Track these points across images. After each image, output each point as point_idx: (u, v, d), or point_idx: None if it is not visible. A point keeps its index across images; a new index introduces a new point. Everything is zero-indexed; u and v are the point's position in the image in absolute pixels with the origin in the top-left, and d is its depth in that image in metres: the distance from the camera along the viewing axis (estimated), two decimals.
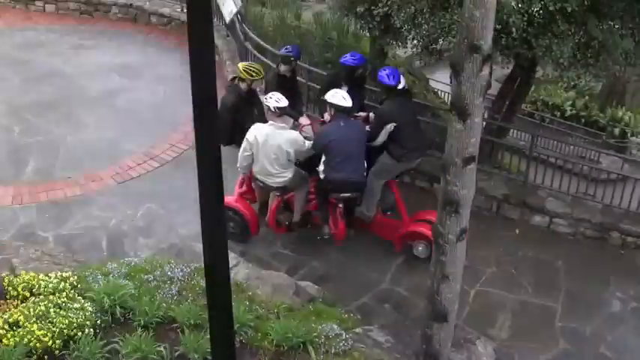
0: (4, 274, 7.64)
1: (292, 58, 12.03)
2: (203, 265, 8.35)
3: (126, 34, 19.28)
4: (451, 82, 28.65)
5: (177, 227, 11.62)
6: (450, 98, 25.42)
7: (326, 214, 11.05)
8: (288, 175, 10.61)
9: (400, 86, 10.81)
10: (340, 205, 10.96)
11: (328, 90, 10.87)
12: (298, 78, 13.40)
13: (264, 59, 14.80)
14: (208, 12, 4.68)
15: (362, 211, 11.12)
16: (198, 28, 4.57)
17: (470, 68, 6.05)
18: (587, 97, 27.25)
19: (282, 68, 11.98)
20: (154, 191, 12.36)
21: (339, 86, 11.31)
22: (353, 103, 10.80)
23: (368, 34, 16.35)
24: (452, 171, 6.67)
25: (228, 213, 11.02)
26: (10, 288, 7.33)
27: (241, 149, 10.63)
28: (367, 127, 10.99)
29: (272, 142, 10.38)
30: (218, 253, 5.37)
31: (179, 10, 19.41)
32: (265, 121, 10.75)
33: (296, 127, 11.41)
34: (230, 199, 11.07)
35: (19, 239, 10.86)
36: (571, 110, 26.07)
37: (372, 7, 12.75)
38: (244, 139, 10.54)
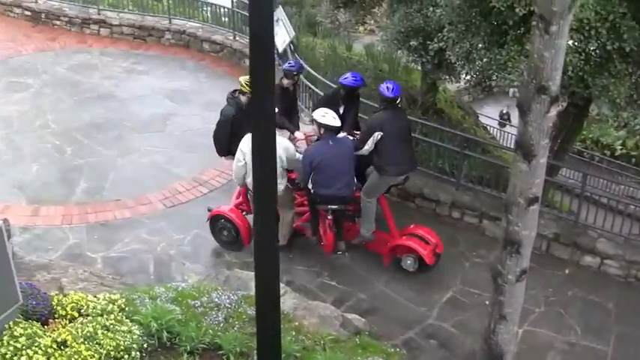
0: (53, 294, 7.66)
1: (295, 73, 12.40)
2: (250, 293, 8.39)
3: (178, 59, 19.49)
4: (500, 118, 28.66)
5: (224, 254, 11.67)
6: (499, 134, 25.29)
7: (316, 225, 11.27)
8: (280, 187, 10.72)
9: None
10: (330, 217, 11.09)
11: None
12: None
13: (315, 89, 14.85)
14: (271, 52, 4.70)
15: (362, 234, 11.39)
16: (260, 66, 4.57)
17: (537, 109, 5.97)
18: (638, 137, 26.90)
19: (285, 82, 12.36)
20: (202, 217, 12.35)
21: (337, 105, 11.60)
22: (348, 120, 11.47)
23: (419, 68, 16.35)
24: (514, 211, 6.57)
25: (222, 222, 11.60)
26: (59, 307, 7.33)
27: (235, 159, 10.93)
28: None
29: None
30: (269, 284, 5.34)
31: (231, 37, 19.59)
32: None
33: (291, 140, 11.67)
34: (225, 208, 11.66)
35: (68, 259, 10.98)
36: (621, 149, 25.76)
37: (427, 42, 12.75)
38: (238, 150, 10.81)
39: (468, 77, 12.77)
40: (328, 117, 10.60)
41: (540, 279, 11.29)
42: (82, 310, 7.36)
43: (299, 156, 10.93)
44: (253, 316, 7.29)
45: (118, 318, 7.31)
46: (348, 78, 11.85)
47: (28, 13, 21.62)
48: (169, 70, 18.68)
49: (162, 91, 17.29)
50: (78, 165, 14.07)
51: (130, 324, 7.26)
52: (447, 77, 14.80)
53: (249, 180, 10.72)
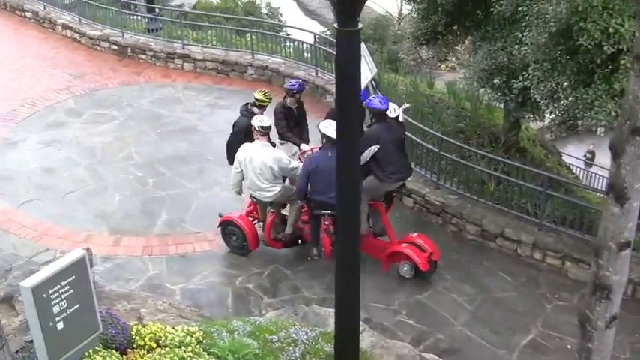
0: (132, 323, 7.72)
1: (295, 92, 13.12)
2: (328, 330, 8.32)
3: None
4: (585, 157, 28.11)
5: (302, 289, 11.64)
6: (583, 174, 24.69)
7: (316, 234, 11.62)
8: (277, 189, 11.55)
9: (393, 115, 11.70)
10: (327, 223, 11.43)
11: None
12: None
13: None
14: (357, 88, 4.68)
15: None
16: (346, 102, 4.56)
17: (631, 151, 5.78)
18: None
19: (288, 100, 13.12)
20: (281, 252, 12.40)
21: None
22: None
23: (502, 106, 16.18)
24: (605, 255, 6.37)
25: (232, 228, 12.19)
26: (138, 337, 7.39)
27: (233, 167, 11.73)
28: None
29: (257, 159, 11.38)
30: (349, 322, 5.29)
31: (313, 73, 19.65)
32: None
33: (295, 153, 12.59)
34: (234, 215, 12.24)
35: (148, 290, 11.09)
36: None
37: (511, 80, 12.61)
38: (235, 159, 11.61)
39: (553, 116, 12.59)
40: (331, 129, 10.85)
41: (626, 324, 10.92)
42: (160, 341, 7.41)
43: (294, 164, 11.66)
44: (331, 353, 7.22)
45: (196, 350, 7.34)
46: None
47: (115, 47, 22.12)
48: None
49: None
50: (160, 197, 14.26)
51: (207, 356, 7.28)
52: (531, 116, 14.61)
53: (248, 184, 11.78)
